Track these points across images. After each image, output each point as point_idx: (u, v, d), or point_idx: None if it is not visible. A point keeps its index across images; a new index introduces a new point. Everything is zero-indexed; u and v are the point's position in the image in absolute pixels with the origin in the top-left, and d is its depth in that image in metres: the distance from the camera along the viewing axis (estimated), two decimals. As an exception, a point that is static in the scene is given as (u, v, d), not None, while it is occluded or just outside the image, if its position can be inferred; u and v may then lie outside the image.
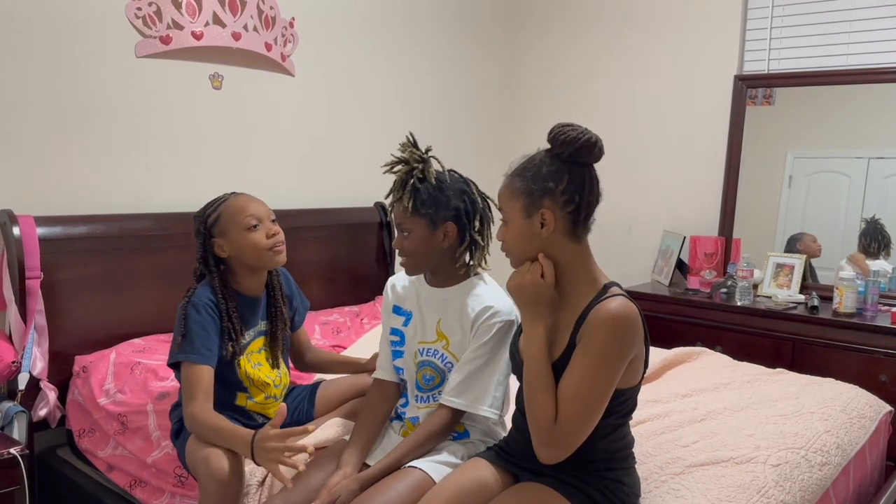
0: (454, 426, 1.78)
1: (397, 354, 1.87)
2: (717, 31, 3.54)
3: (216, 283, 1.89)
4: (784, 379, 2.45)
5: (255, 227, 1.89)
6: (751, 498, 1.63)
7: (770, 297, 3.19)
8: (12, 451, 2.02)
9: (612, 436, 1.53)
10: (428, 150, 1.79)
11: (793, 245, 3.36)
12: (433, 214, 1.73)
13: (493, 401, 1.74)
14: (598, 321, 1.43)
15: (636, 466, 1.64)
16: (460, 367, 1.75)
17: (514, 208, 1.52)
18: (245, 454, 1.68)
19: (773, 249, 3.37)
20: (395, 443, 1.80)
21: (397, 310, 1.90)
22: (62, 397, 2.42)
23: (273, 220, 1.95)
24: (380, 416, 1.85)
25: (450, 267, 1.81)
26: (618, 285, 1.53)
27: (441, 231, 1.75)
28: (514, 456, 1.63)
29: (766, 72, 3.46)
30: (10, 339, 2.34)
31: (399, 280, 1.93)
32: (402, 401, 1.89)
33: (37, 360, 2.32)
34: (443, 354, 1.79)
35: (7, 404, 2.25)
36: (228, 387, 1.90)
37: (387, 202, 1.82)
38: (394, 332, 1.89)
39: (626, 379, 1.47)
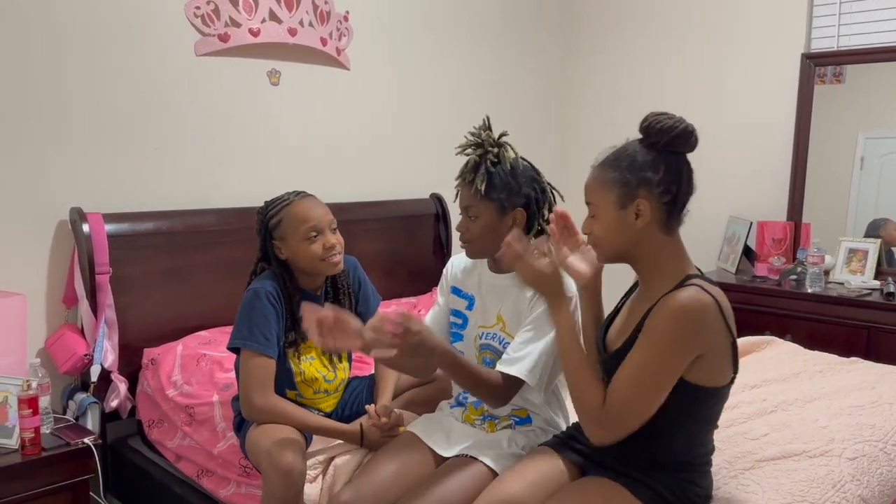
0: (505, 395, 1.69)
1: (457, 337, 1.86)
2: (782, 6, 3.40)
3: (279, 278, 1.92)
4: (859, 368, 2.35)
5: (314, 237, 1.90)
6: (826, 493, 1.57)
7: (843, 284, 3.07)
8: (86, 440, 2.09)
9: (693, 441, 1.50)
10: (503, 135, 1.77)
11: (874, 230, 3.20)
12: (504, 200, 1.71)
13: (533, 368, 1.66)
14: (662, 310, 1.39)
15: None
16: (514, 341, 1.72)
17: (605, 200, 1.46)
18: (354, 444, 1.87)
19: (845, 234, 3.24)
20: (458, 430, 1.79)
21: (457, 291, 1.89)
22: (132, 389, 2.50)
23: (334, 229, 1.94)
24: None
25: None
26: (703, 276, 1.46)
27: (510, 217, 1.73)
28: (582, 445, 1.61)
29: (835, 48, 3.31)
30: (82, 332, 2.43)
31: (459, 261, 1.92)
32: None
33: (107, 353, 2.40)
34: (501, 337, 1.79)
35: (81, 395, 2.34)
36: (278, 382, 1.90)
37: (455, 183, 1.79)
38: (457, 314, 1.87)
39: (707, 376, 1.41)
